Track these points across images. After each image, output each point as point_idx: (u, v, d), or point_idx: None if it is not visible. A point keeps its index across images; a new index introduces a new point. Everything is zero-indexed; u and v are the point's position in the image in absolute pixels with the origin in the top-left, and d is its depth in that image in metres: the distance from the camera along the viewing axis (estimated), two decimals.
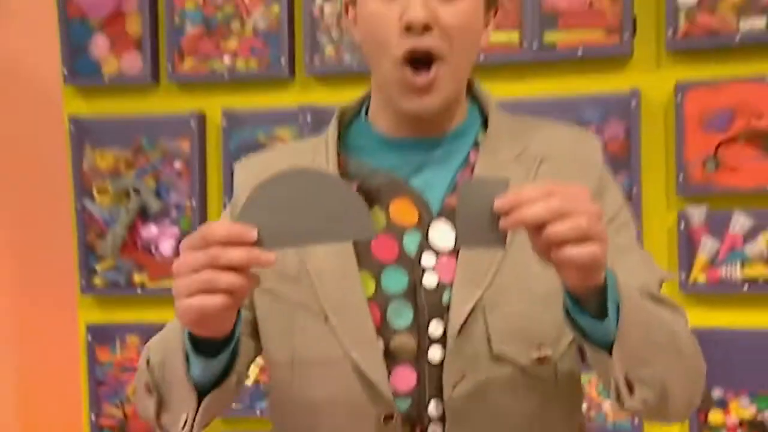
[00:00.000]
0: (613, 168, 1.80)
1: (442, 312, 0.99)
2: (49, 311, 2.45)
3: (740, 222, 1.85)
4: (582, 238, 0.81)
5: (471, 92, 1.11)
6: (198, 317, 0.85)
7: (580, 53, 1.89)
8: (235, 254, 0.82)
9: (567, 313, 0.89)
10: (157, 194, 2.15)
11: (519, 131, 1.07)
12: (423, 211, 1.02)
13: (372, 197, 1.02)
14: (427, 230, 1.01)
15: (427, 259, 1.00)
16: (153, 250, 2.16)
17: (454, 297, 0.98)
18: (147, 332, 2.01)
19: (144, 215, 2.15)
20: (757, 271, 1.83)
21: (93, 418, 2.18)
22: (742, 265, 1.85)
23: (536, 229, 0.82)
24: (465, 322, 0.96)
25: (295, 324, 1.02)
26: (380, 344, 0.98)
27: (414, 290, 1.00)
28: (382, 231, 1.02)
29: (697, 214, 1.86)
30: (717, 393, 1.86)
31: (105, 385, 2.18)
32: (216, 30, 2.11)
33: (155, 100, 2.17)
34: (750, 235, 1.85)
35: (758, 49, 1.85)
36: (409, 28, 0.96)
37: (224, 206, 2.08)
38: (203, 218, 2.13)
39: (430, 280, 0.99)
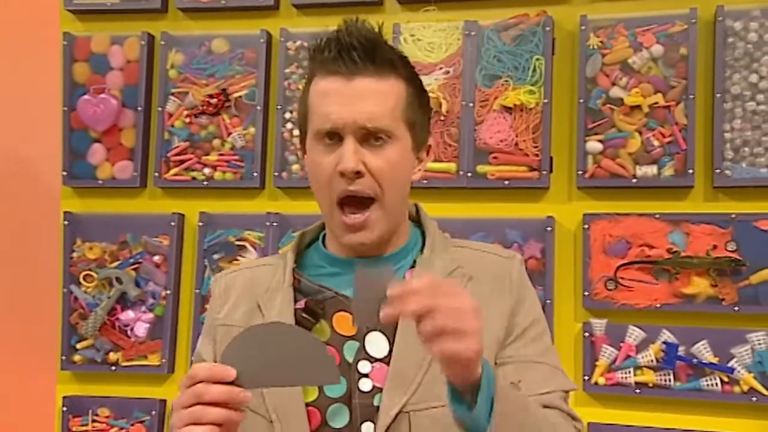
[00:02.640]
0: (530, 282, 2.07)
1: (373, 415, 1.04)
2: (30, 382, 2.48)
3: (634, 334, 1.98)
4: (439, 334, 0.86)
5: (417, 217, 1.19)
6: None
7: (506, 183, 2.06)
8: (216, 390, 0.92)
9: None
10: (137, 283, 2.24)
11: (453, 252, 1.16)
12: None
13: (318, 311, 1.10)
14: (364, 340, 1.07)
15: (363, 366, 1.06)
16: (129, 332, 2.24)
17: (383, 402, 1.03)
18: (117, 405, 2.25)
19: (123, 301, 2.24)
20: (648, 377, 1.97)
21: None
22: (635, 372, 1.98)
23: (417, 321, 0.88)
24: (391, 425, 1.03)
25: (243, 425, 1.02)
26: None
27: (350, 394, 1.05)
28: (327, 341, 1.07)
29: (599, 325, 2.01)
30: None
31: None
32: (199, 145, 2.24)
33: (141, 202, 2.28)
34: (642, 346, 1.98)
35: (650, 191, 2.01)
36: (342, 175, 1.06)
37: (194, 296, 2.20)
38: (176, 305, 2.23)
39: (364, 385, 1.05)
